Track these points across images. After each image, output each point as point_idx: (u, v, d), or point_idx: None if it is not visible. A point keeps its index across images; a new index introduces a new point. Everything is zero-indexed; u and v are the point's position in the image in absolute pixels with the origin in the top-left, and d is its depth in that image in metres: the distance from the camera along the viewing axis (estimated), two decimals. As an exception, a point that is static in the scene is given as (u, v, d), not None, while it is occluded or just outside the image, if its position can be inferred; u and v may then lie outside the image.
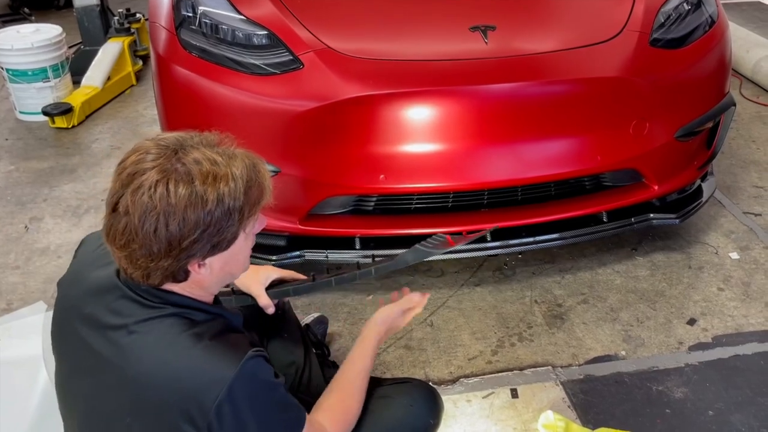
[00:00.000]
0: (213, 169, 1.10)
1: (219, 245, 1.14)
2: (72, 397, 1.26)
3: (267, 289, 1.67)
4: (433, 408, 1.58)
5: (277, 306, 1.83)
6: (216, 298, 1.35)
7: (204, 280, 1.19)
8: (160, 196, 1.06)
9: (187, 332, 1.14)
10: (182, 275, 1.15)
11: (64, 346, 1.28)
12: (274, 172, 2.23)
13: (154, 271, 1.12)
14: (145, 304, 1.16)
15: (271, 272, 1.69)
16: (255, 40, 2.30)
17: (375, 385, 1.63)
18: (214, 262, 1.17)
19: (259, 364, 1.17)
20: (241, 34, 2.31)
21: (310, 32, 2.28)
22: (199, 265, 1.15)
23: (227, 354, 1.14)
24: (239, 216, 1.13)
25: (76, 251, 1.38)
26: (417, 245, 1.70)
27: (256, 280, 1.65)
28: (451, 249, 1.73)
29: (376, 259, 2.00)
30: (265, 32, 2.29)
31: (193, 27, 2.36)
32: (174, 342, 1.13)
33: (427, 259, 1.82)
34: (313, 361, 1.84)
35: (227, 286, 1.56)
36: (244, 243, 1.20)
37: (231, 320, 1.28)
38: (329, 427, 1.35)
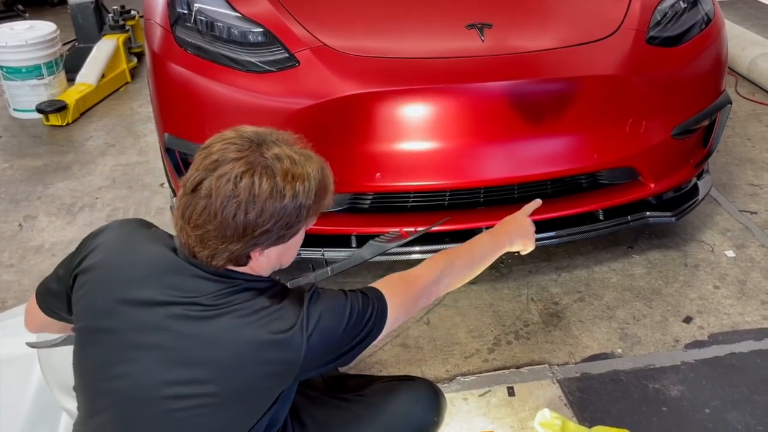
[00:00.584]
0: (292, 167, 1.19)
1: (283, 237, 1.23)
2: (116, 377, 1.23)
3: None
4: (437, 406, 1.59)
5: None
6: None
7: (260, 266, 1.27)
8: (245, 186, 1.15)
9: (259, 297, 1.23)
10: (244, 260, 1.23)
11: (107, 330, 1.24)
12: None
13: (221, 253, 1.19)
14: (212, 279, 1.22)
15: None
16: (251, 38, 2.29)
17: (376, 381, 1.64)
18: (272, 252, 1.25)
19: (320, 291, 1.29)
20: (236, 32, 2.30)
21: (306, 29, 2.27)
22: (260, 253, 1.23)
23: (296, 299, 1.25)
24: (307, 213, 1.23)
25: (89, 242, 1.34)
26: (371, 240, 1.77)
27: None
28: (405, 241, 1.77)
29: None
30: (261, 29, 2.28)
31: (189, 24, 2.35)
32: (251, 306, 1.21)
33: (384, 253, 1.88)
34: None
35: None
36: (299, 239, 1.30)
37: (282, 284, 1.36)
38: (397, 297, 1.41)
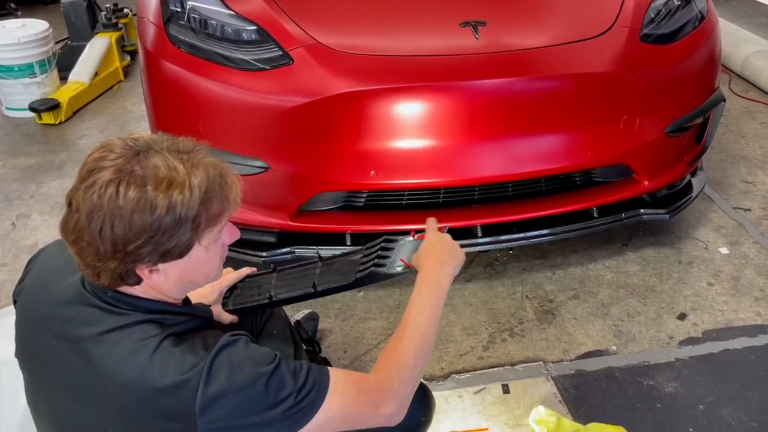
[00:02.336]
0: (170, 175, 1.06)
1: (169, 253, 1.09)
2: (47, 411, 1.23)
3: (226, 298, 1.64)
4: (424, 405, 1.57)
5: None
6: (186, 299, 1.31)
7: (160, 286, 1.14)
8: (109, 196, 1.04)
9: (160, 335, 1.10)
10: (132, 278, 1.11)
11: (33, 362, 1.23)
12: (263, 168, 2.22)
13: (102, 271, 1.09)
14: (114, 311, 1.13)
15: (221, 280, 1.63)
16: (244, 36, 2.28)
17: None
18: (169, 269, 1.12)
19: (232, 344, 1.11)
20: (230, 30, 2.29)
21: (299, 27, 2.27)
22: (151, 271, 1.11)
23: (203, 345, 1.10)
24: (192, 226, 1.08)
25: (30, 264, 1.33)
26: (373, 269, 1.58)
27: (208, 298, 1.59)
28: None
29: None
30: (254, 27, 2.27)
31: (182, 22, 2.34)
32: (148, 347, 1.09)
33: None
34: (304, 358, 1.83)
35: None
36: (204, 254, 1.14)
37: (203, 317, 1.24)
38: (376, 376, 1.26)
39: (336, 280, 1.60)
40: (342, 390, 1.18)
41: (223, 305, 1.64)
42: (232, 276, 1.67)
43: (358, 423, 1.22)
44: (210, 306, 1.39)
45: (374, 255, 1.62)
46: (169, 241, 1.07)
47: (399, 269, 1.54)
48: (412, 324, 1.35)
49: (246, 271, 1.71)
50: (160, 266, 1.11)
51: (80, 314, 1.14)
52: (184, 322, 1.17)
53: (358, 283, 1.58)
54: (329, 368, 1.20)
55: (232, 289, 1.67)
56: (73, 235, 1.07)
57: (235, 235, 1.22)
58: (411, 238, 1.60)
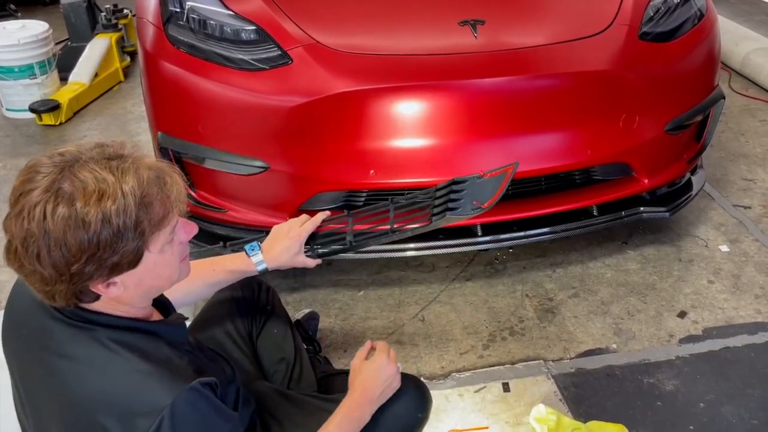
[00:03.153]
0: (99, 186, 0.99)
1: (118, 266, 1.04)
2: (26, 416, 1.22)
3: (308, 245, 1.65)
4: (421, 402, 1.57)
5: (266, 302, 1.83)
6: (165, 306, 1.29)
7: (121, 297, 1.09)
8: (38, 220, 0.98)
9: (119, 358, 1.06)
10: (89, 296, 1.07)
11: (12, 367, 1.22)
12: (263, 168, 2.22)
13: (55, 293, 1.03)
14: (74, 325, 1.09)
15: (300, 231, 1.63)
16: (243, 36, 2.28)
17: None
18: (126, 279, 1.07)
19: (197, 397, 1.06)
20: (229, 30, 2.29)
21: (298, 27, 2.27)
22: (107, 285, 1.06)
23: (163, 382, 1.05)
24: (135, 234, 1.03)
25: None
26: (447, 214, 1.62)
27: (290, 251, 1.61)
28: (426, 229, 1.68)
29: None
30: (254, 27, 2.27)
31: (181, 22, 2.34)
32: (104, 370, 1.06)
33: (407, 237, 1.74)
34: (304, 357, 1.84)
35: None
36: (161, 257, 1.10)
37: (170, 337, 1.18)
38: None
39: (411, 223, 1.65)
40: None
41: (305, 252, 1.65)
42: (308, 225, 1.66)
43: None
44: (185, 318, 1.36)
45: (445, 198, 1.64)
46: (113, 255, 1.02)
47: (472, 212, 1.56)
48: None
49: (321, 216, 1.71)
50: (116, 278, 1.06)
51: (44, 326, 1.11)
52: (146, 341, 1.12)
53: (434, 226, 1.62)
54: None
55: (311, 236, 1.68)
56: (15, 264, 1.03)
57: (192, 230, 1.18)
58: (480, 177, 1.62)
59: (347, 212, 1.76)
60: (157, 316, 1.25)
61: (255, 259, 1.59)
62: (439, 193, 1.71)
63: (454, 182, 1.69)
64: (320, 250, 1.68)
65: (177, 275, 1.17)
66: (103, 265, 1.02)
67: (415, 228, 1.66)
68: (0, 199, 3.23)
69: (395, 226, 1.68)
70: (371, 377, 1.46)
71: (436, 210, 1.64)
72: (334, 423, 1.38)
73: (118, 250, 1.02)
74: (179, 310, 1.37)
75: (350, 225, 1.71)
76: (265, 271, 1.61)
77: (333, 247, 1.69)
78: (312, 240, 1.68)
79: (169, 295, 1.38)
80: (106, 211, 0.99)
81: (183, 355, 1.16)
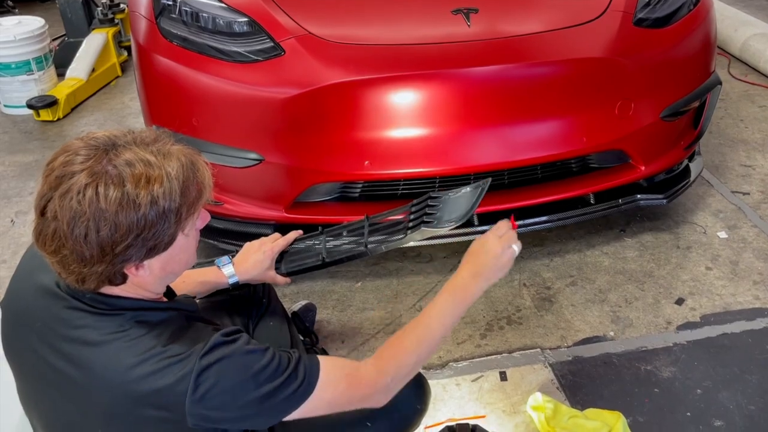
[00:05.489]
0: (146, 170, 1.04)
1: (156, 248, 1.09)
2: (36, 410, 1.23)
3: (278, 262, 1.69)
4: (420, 394, 1.57)
5: (262, 295, 1.83)
6: (169, 289, 1.31)
7: (144, 281, 1.14)
8: (90, 200, 1.01)
9: (149, 335, 1.10)
10: (119, 279, 1.10)
11: (21, 362, 1.23)
12: (257, 160, 2.22)
13: (88, 276, 1.07)
14: (96, 312, 1.12)
15: (272, 246, 1.68)
16: (236, 28, 2.28)
17: None
18: (154, 263, 1.12)
19: (222, 344, 1.11)
20: (221, 22, 2.29)
21: (291, 18, 2.26)
22: (137, 267, 1.10)
23: (191, 344, 1.11)
24: (176, 217, 1.08)
25: (17, 267, 1.32)
26: (422, 227, 1.61)
27: (261, 265, 1.66)
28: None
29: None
30: (246, 19, 2.27)
31: (174, 15, 2.34)
32: (135, 348, 1.09)
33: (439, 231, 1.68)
34: (301, 349, 1.84)
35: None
36: (185, 242, 1.15)
37: (188, 310, 1.23)
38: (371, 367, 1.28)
39: (386, 239, 1.64)
40: (332, 383, 1.21)
41: (276, 269, 1.69)
42: (281, 242, 1.71)
43: (344, 408, 1.25)
44: (195, 298, 1.39)
45: (421, 212, 1.64)
46: (155, 237, 1.06)
47: (446, 224, 1.57)
48: (425, 324, 1.36)
49: (294, 235, 1.74)
50: (146, 262, 1.10)
51: (63, 315, 1.13)
52: (169, 318, 1.17)
53: (408, 239, 1.62)
54: (322, 358, 1.22)
55: (283, 254, 1.72)
56: (53, 245, 1.04)
57: (206, 217, 1.22)
58: (453, 193, 1.62)
59: (321, 229, 1.77)
60: (164, 299, 1.28)
61: (227, 271, 1.64)
62: (414, 208, 1.71)
63: (430, 197, 1.70)
64: (287, 268, 1.70)
65: (191, 261, 1.22)
66: (144, 246, 1.06)
67: (390, 242, 1.65)
68: (-2, 196, 3.24)
69: (370, 241, 1.68)
70: (485, 252, 1.43)
71: (411, 225, 1.64)
72: (442, 299, 1.38)
73: (159, 232, 1.07)
74: None
75: (323, 242, 1.71)
76: (236, 284, 1.65)
77: (304, 263, 1.70)
78: (286, 256, 1.71)
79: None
80: (155, 193, 1.04)
81: (200, 320, 1.22)
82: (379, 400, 1.30)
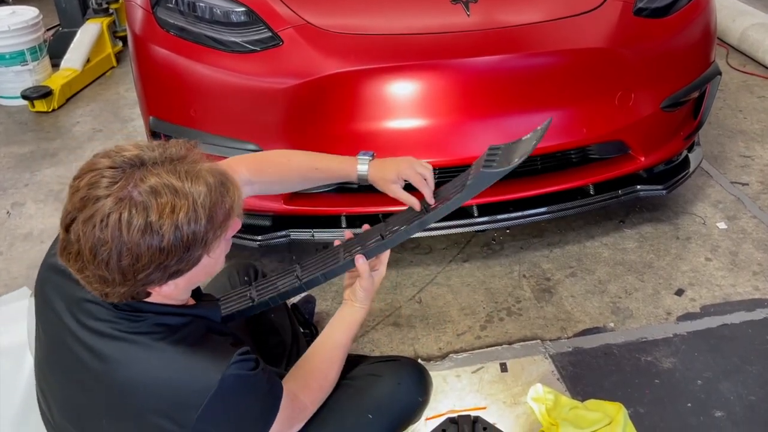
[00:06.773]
0: (171, 198, 1.02)
1: (180, 272, 1.09)
2: (49, 382, 1.24)
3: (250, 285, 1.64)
4: (422, 386, 1.57)
5: None
6: (197, 291, 1.31)
7: (169, 294, 1.13)
8: (112, 230, 1.00)
9: (167, 339, 1.11)
10: (143, 296, 1.11)
11: (44, 321, 1.23)
12: (255, 152, 2.20)
13: (111, 294, 1.07)
14: (121, 312, 1.12)
15: (417, 166, 1.57)
16: (233, 17, 2.25)
17: (363, 362, 1.62)
18: (179, 281, 1.12)
19: (240, 369, 1.12)
20: (219, 12, 2.26)
21: (288, 8, 2.24)
22: (161, 286, 1.10)
23: (209, 360, 1.11)
24: (202, 243, 1.07)
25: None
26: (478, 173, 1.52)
27: (388, 180, 1.56)
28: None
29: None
30: (244, 9, 2.24)
31: (170, 5, 2.31)
32: (154, 350, 1.10)
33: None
34: (301, 341, 1.84)
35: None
36: (211, 258, 1.14)
37: (210, 318, 1.24)
38: (303, 396, 1.35)
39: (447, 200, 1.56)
40: (284, 409, 1.24)
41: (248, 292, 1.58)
42: (427, 174, 1.58)
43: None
44: (218, 300, 1.40)
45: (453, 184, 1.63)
46: (179, 263, 1.06)
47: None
48: (338, 355, 1.46)
49: (430, 174, 1.60)
50: (170, 281, 1.10)
51: (89, 307, 1.14)
52: (190, 323, 1.17)
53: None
54: (281, 384, 1.26)
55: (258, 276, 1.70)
56: (76, 265, 1.05)
57: (238, 226, 1.20)
58: (513, 142, 1.59)
59: (297, 265, 1.62)
60: (190, 300, 1.28)
61: (361, 167, 1.56)
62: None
63: (491, 147, 1.64)
64: (258, 296, 1.53)
65: (220, 268, 1.22)
66: (167, 271, 1.06)
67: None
68: (-7, 188, 3.22)
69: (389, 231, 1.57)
70: (352, 290, 1.51)
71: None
72: (339, 331, 1.49)
73: (184, 259, 1.06)
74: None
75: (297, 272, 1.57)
76: (364, 180, 1.57)
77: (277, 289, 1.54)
78: (261, 280, 1.59)
79: (265, 176, 1.49)
80: (179, 222, 1.02)
81: (220, 332, 1.24)
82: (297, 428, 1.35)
